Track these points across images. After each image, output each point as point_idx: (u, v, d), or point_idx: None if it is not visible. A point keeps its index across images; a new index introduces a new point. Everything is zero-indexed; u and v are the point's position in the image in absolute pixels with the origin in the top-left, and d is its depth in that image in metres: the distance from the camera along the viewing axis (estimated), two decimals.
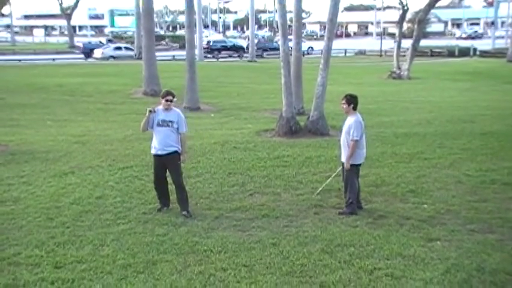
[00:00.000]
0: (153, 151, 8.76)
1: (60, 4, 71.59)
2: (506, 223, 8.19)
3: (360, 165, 8.85)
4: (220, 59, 52.86)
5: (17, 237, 7.68)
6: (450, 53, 57.67)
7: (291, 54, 17.89)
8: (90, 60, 49.46)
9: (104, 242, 7.51)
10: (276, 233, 7.84)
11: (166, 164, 8.69)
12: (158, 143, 8.62)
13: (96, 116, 19.71)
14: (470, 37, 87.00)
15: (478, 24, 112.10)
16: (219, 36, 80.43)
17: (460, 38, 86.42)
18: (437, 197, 9.51)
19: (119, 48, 52.16)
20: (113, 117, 19.60)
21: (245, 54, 55.30)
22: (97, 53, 50.78)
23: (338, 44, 64.18)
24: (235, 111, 21.09)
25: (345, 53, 62.59)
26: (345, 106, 8.68)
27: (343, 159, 8.78)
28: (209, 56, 53.75)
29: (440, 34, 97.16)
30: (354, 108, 8.67)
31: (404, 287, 6.17)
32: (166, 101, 8.58)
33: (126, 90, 26.83)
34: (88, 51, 52.50)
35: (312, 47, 61.12)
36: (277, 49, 54.50)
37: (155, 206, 8.94)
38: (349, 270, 6.59)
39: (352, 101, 8.65)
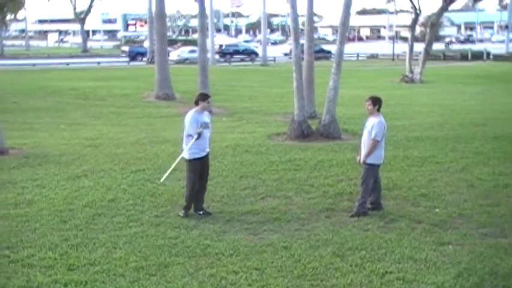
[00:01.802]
0: (197, 155, 8.71)
1: (74, 9, 72.16)
2: None
3: (379, 166, 8.95)
4: (232, 63, 52.95)
5: (30, 239, 7.75)
6: (463, 56, 57.35)
7: (303, 58, 17.93)
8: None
9: (117, 244, 7.56)
10: (288, 237, 7.85)
11: (206, 164, 8.90)
12: (204, 145, 8.76)
13: (109, 120, 19.84)
14: (465, 41, 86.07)
15: (492, 27, 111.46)
16: (230, 40, 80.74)
17: (451, 42, 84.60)
18: (449, 200, 9.47)
19: (193, 51, 52.48)
20: (126, 120, 19.72)
21: (257, 58, 55.46)
22: (173, 55, 52.60)
23: (350, 48, 64.04)
24: (247, 114, 21.12)
25: (357, 57, 62.42)
26: (370, 107, 8.94)
27: (367, 160, 8.86)
28: (221, 59, 53.92)
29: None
30: (378, 110, 8.97)
31: None
32: (208, 102, 8.86)
33: (139, 93, 26.98)
34: (134, 55, 54.19)
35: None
36: (323, 51, 54.50)
37: (167, 209, 9.00)
38: (360, 274, 6.59)
39: (377, 102, 8.97)
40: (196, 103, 8.78)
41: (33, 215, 8.81)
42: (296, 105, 15.58)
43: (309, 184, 10.55)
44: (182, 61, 51.24)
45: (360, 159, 9.01)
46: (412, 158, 12.58)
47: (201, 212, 8.90)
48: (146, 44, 59.36)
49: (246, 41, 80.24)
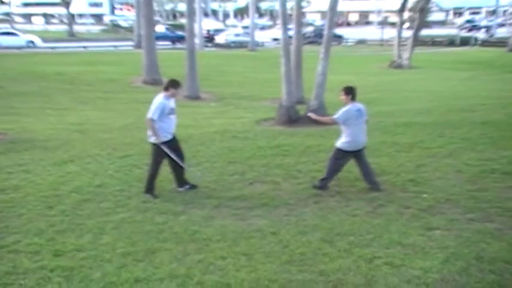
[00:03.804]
0: (164, 139, 8.81)
1: None
2: (505, 212, 8.18)
3: (347, 152, 9.12)
4: (220, 48, 52.78)
5: (16, 225, 7.69)
6: (451, 42, 57.55)
7: (291, 44, 17.85)
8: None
9: (104, 230, 7.51)
10: (276, 222, 7.84)
11: (175, 144, 9.04)
12: (171, 129, 8.90)
13: (95, 105, 19.70)
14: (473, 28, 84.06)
15: (479, 13, 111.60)
16: (218, 25, 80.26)
17: (490, 28, 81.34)
18: (437, 186, 9.50)
19: (238, 34, 55.97)
20: (113, 105, 19.59)
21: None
22: (219, 39, 55.05)
23: (339, 33, 63.85)
24: (235, 100, 21.08)
25: (346, 42, 62.39)
26: (343, 97, 9.09)
27: (336, 143, 9.27)
28: (209, 44, 53.84)
29: (441, 23, 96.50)
30: (353, 99, 9.04)
31: (404, 276, 6.17)
32: (177, 90, 8.93)
33: (126, 78, 26.79)
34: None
35: None
36: (335, 35, 55.52)
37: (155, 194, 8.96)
38: (348, 259, 6.59)
39: (350, 91, 9.03)
40: (166, 89, 8.81)
41: (19, 200, 8.74)
42: (284, 91, 15.54)
43: (297, 169, 10.55)
44: (228, 45, 52.62)
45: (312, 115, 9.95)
46: (401, 144, 12.60)
47: (188, 187, 9.19)
48: (160, 29, 58.46)
49: (245, 27, 79.65)
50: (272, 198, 8.87)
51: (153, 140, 8.84)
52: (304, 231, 7.47)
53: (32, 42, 49.20)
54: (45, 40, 50.85)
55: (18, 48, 44.85)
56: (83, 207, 8.48)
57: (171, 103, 8.88)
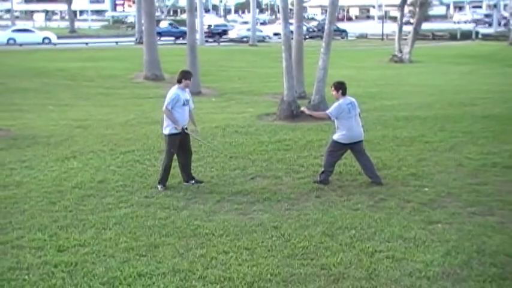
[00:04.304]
0: (175, 130, 9.07)
1: None
2: (506, 206, 8.21)
3: (343, 144, 9.24)
4: (221, 43, 52.72)
5: (20, 221, 7.72)
6: (452, 36, 57.40)
7: (292, 38, 17.84)
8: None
9: (107, 225, 7.55)
10: (278, 216, 7.87)
11: (185, 136, 9.27)
12: (184, 119, 9.17)
13: (97, 101, 19.72)
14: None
15: (480, 7, 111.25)
16: (219, 20, 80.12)
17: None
18: (438, 180, 9.52)
19: (249, 29, 55.96)
20: (115, 101, 19.61)
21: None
22: (232, 33, 56.75)
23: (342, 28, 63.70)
24: (237, 95, 21.07)
25: (347, 37, 62.29)
26: (334, 93, 9.33)
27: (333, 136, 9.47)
28: (210, 40, 53.82)
29: (442, 17, 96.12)
30: (343, 94, 9.25)
31: (405, 269, 6.20)
32: (190, 80, 9.27)
33: (127, 74, 26.80)
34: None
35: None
36: (338, 30, 55.61)
37: (157, 190, 9.00)
38: (350, 253, 6.62)
39: (339, 87, 9.27)
40: (179, 81, 9.16)
41: (22, 196, 8.77)
42: (285, 86, 15.54)
43: (298, 164, 10.57)
44: (240, 39, 53.40)
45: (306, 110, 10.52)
46: (402, 138, 12.61)
47: (193, 182, 9.32)
48: (164, 24, 58.41)
49: (245, 22, 79.40)
50: (274, 193, 8.89)
51: (167, 131, 9.09)
52: (306, 225, 7.50)
53: (48, 38, 49.25)
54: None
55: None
56: (86, 202, 8.51)
57: (186, 95, 9.19)
